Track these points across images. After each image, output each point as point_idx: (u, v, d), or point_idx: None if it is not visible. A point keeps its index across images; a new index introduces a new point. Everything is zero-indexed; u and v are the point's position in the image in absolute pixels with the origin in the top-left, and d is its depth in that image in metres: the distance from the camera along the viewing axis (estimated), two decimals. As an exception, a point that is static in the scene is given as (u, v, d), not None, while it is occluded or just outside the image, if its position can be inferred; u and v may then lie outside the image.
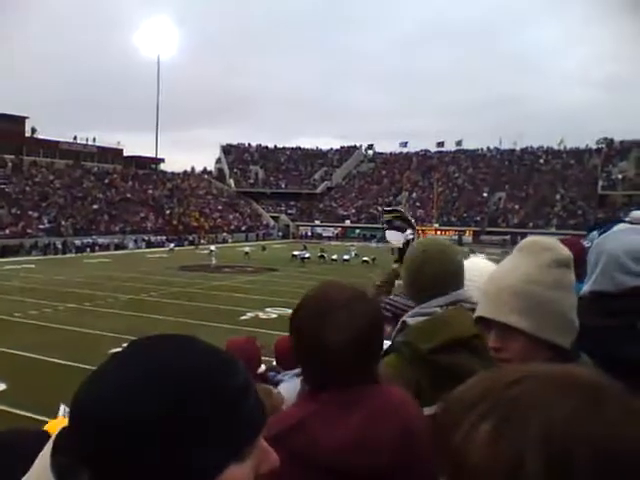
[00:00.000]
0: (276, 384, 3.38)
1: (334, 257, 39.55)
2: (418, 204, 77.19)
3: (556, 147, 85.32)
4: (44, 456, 0.71)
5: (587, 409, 0.50)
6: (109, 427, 0.64)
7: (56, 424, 2.90)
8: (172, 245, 51.20)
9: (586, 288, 1.83)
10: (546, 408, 0.51)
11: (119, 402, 0.65)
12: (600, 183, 69.38)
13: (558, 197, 72.34)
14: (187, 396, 0.66)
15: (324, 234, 72.82)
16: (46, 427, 1.30)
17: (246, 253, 42.10)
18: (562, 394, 0.52)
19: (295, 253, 40.83)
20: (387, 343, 1.80)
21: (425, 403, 1.60)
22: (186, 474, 0.66)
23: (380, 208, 76.99)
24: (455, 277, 1.96)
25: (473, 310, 1.82)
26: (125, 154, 75.42)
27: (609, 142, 79.29)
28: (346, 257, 39.47)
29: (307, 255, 39.78)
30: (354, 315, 1.33)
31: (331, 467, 1.25)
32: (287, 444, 1.18)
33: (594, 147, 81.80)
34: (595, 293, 1.80)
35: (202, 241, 57.12)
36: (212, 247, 41.24)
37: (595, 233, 1.98)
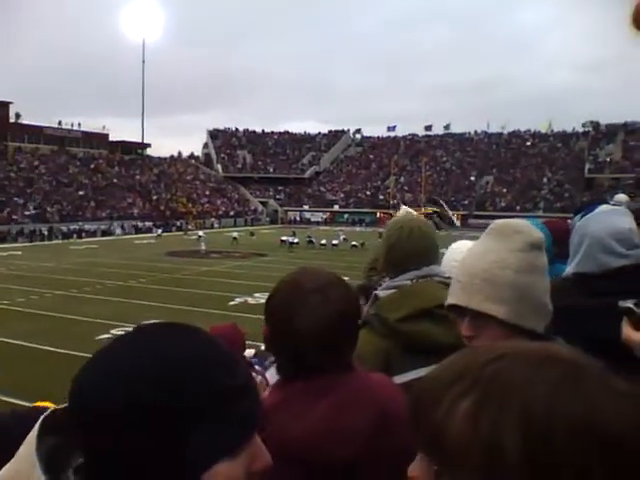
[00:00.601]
0: (265, 369, 3.38)
1: (323, 242, 39.58)
2: (406, 188, 77.26)
3: (543, 131, 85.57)
4: (30, 440, 0.70)
5: (565, 386, 0.50)
6: (104, 413, 0.65)
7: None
8: (160, 231, 50.97)
9: (569, 269, 1.84)
10: (525, 385, 0.51)
11: (115, 388, 0.65)
12: (587, 166, 69.77)
13: (545, 180, 72.70)
14: (183, 387, 0.66)
15: (313, 219, 72.77)
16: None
17: (234, 238, 42.00)
18: (541, 371, 0.52)
19: (283, 238, 40.82)
20: None
21: (395, 372, 1.64)
22: (176, 464, 0.66)
23: (368, 192, 77.09)
24: (429, 253, 1.98)
25: (443, 283, 1.85)
26: (111, 139, 74.72)
27: (595, 125, 79.63)
28: (335, 242, 39.49)
29: (296, 240, 39.79)
30: (327, 301, 1.31)
31: (299, 457, 1.22)
32: None
33: (581, 130, 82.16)
34: (579, 274, 1.81)
35: (190, 227, 56.88)
36: (200, 233, 41.12)
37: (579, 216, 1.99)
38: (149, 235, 50.95)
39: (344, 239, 41.19)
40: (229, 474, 0.69)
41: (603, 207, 1.89)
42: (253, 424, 0.73)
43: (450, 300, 1.42)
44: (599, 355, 1.58)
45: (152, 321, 0.77)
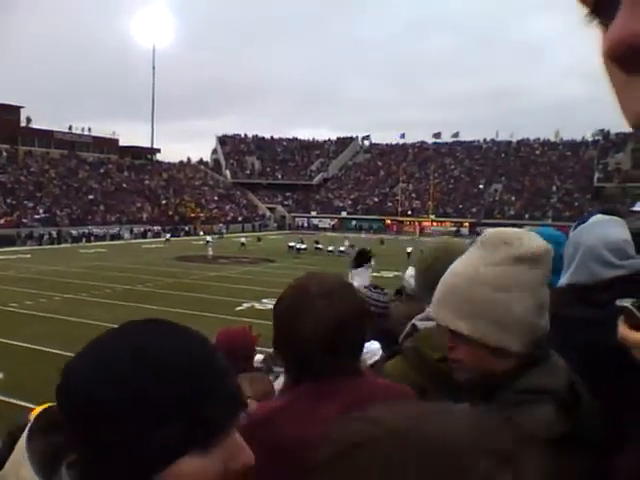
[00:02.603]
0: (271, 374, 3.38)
1: (330, 248, 39.58)
2: (414, 195, 77.18)
3: (552, 139, 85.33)
4: (20, 442, 0.72)
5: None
6: (77, 406, 0.68)
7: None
8: (168, 235, 51.15)
9: (563, 280, 1.82)
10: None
11: (87, 382, 0.68)
12: (596, 175, 69.47)
13: (554, 189, 72.43)
14: (152, 382, 0.67)
15: (320, 225, 72.80)
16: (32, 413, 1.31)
17: (242, 244, 42.09)
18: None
19: (291, 244, 40.86)
20: None
21: None
22: (137, 457, 0.67)
23: (376, 199, 77.05)
24: None
25: None
26: (120, 144, 75.11)
27: (605, 134, 79.32)
28: (342, 248, 39.53)
29: (303, 246, 39.82)
30: (333, 305, 1.31)
31: (302, 462, 1.22)
32: (255, 437, 1.17)
33: (590, 139, 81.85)
34: (572, 285, 1.81)
35: (200, 232, 57.00)
36: (209, 238, 41.21)
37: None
38: (158, 240, 51.11)
39: (351, 245, 41.23)
40: (197, 469, 0.69)
41: (597, 217, 1.87)
42: (226, 419, 0.72)
43: (431, 314, 1.41)
44: (593, 364, 1.59)
45: (139, 319, 0.79)
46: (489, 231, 1.35)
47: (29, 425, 0.74)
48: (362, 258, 7.05)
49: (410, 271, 3.72)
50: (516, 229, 1.35)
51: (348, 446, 0.50)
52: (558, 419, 1.15)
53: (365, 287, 3.54)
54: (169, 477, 0.68)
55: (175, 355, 0.71)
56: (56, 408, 0.74)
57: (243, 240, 43.35)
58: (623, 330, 1.08)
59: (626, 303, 1.02)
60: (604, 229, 1.81)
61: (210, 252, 36.26)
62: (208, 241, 39.06)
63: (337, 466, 0.50)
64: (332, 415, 1.24)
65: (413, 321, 1.90)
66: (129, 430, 0.66)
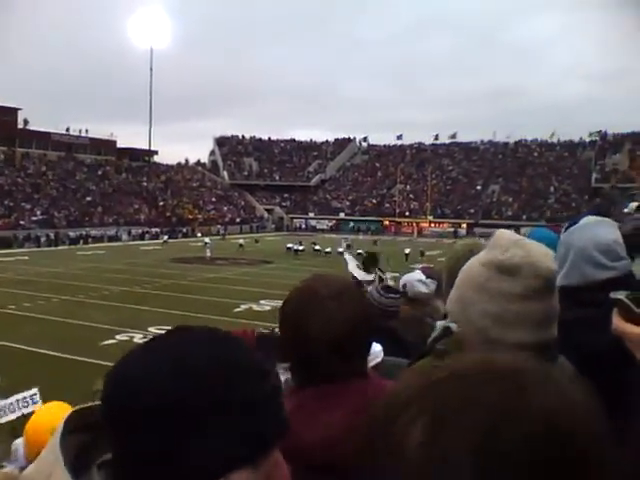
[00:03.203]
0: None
1: (328, 249, 39.66)
2: (412, 196, 77.26)
3: (549, 140, 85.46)
4: (53, 440, 0.72)
5: (510, 401, 0.50)
6: (121, 411, 0.67)
7: (43, 412, 2.89)
8: (166, 237, 51.13)
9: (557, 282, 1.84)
10: (471, 408, 0.50)
11: (141, 389, 0.67)
12: (593, 176, 69.62)
13: (552, 190, 72.57)
14: (206, 392, 0.67)
15: (318, 227, 72.84)
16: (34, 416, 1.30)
17: (240, 245, 42.09)
18: (485, 390, 0.51)
19: (289, 246, 40.90)
20: None
21: None
22: (188, 468, 0.66)
23: (374, 200, 77.11)
24: None
25: None
26: (118, 146, 75.08)
27: (602, 135, 79.50)
28: (340, 249, 39.60)
29: (301, 247, 39.86)
30: (343, 307, 1.31)
31: (316, 464, 1.21)
32: None
33: (587, 140, 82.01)
34: (564, 287, 1.81)
35: (198, 234, 56.98)
36: (207, 239, 41.24)
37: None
38: (155, 241, 51.08)
39: (348, 245, 41.31)
40: None
41: (588, 219, 1.88)
42: (275, 435, 0.72)
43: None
44: (589, 365, 1.59)
45: (187, 325, 0.78)
46: (500, 231, 1.34)
47: (61, 426, 0.73)
48: (371, 262, 6.99)
49: (417, 275, 3.70)
50: (519, 236, 1.32)
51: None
52: None
53: (377, 291, 3.51)
54: None
55: (228, 366, 0.70)
56: (85, 409, 0.75)
57: (242, 242, 43.36)
58: (617, 322, 1.08)
59: (620, 295, 1.03)
60: (595, 231, 1.81)
61: (208, 253, 36.27)
62: (207, 243, 39.05)
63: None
64: (343, 417, 1.24)
65: (446, 324, 1.89)
66: (171, 442, 0.65)
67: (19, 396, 6.34)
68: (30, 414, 6.28)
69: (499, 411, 0.50)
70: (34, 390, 6.54)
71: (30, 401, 6.36)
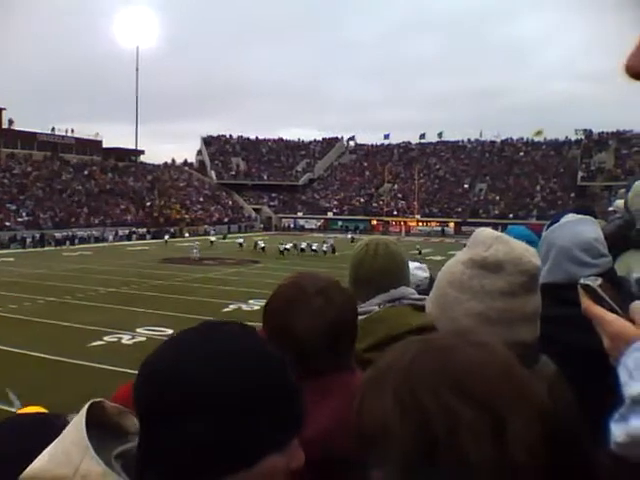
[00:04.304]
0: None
1: (314, 248, 39.87)
2: (400, 196, 77.42)
3: (535, 139, 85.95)
4: (78, 428, 0.74)
5: (436, 368, 0.61)
6: (171, 399, 0.70)
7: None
8: (167, 237, 51.71)
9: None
10: (406, 374, 0.62)
11: (183, 376, 0.71)
12: (579, 174, 70.14)
13: (538, 188, 73.00)
14: (251, 381, 0.72)
15: (307, 226, 72.80)
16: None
17: (240, 244, 43.06)
18: (421, 361, 0.63)
19: (287, 247, 40.82)
20: None
21: None
22: (232, 453, 0.70)
23: (362, 200, 77.21)
24: (397, 274, 1.93)
25: (413, 306, 1.83)
26: (104, 146, 74.59)
27: (588, 133, 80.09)
28: (324, 249, 40.06)
29: (287, 246, 39.92)
30: (330, 303, 1.32)
31: (312, 457, 1.22)
32: None
33: (573, 139, 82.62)
34: (547, 285, 1.83)
35: (186, 234, 56.82)
36: (197, 243, 41.13)
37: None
38: (142, 242, 50.85)
39: (331, 245, 41.65)
40: (275, 468, 0.73)
41: (568, 217, 1.89)
42: (301, 421, 0.78)
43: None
44: (572, 364, 1.59)
45: (211, 319, 0.82)
46: (479, 229, 1.34)
47: (84, 419, 0.75)
48: None
49: (412, 264, 3.77)
50: (500, 233, 1.31)
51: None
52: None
53: None
54: (251, 476, 0.72)
55: (265, 357, 0.75)
56: (101, 402, 0.79)
57: (241, 241, 44.28)
58: (586, 303, 1.09)
59: (589, 281, 1.05)
60: (576, 229, 1.83)
61: (195, 254, 35.96)
62: (196, 244, 39.05)
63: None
64: (336, 410, 1.24)
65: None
66: (219, 428, 0.69)
67: None
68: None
69: (422, 378, 0.60)
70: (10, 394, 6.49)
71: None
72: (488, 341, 0.68)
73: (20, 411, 1.35)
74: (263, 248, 40.72)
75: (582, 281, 1.05)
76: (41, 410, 1.01)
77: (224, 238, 53.95)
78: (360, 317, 1.80)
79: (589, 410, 1.28)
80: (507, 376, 0.62)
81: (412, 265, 3.81)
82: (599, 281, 1.02)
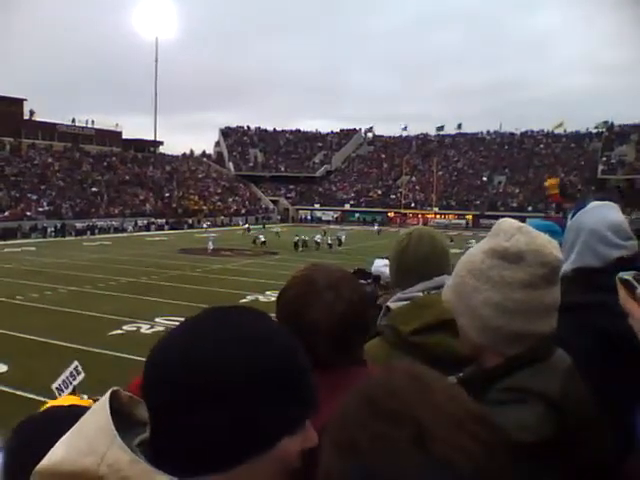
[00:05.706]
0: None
1: (329, 241, 39.87)
2: (417, 188, 77.05)
3: (555, 131, 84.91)
4: (103, 416, 0.73)
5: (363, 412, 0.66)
6: (184, 384, 0.70)
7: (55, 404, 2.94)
8: (207, 224, 52.40)
9: (568, 266, 1.83)
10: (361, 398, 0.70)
11: (197, 361, 0.70)
12: (600, 167, 69.22)
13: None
14: (264, 364, 0.72)
15: (324, 218, 72.75)
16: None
17: (277, 233, 43.98)
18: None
19: (304, 239, 40.72)
20: None
21: None
22: (249, 436, 0.70)
23: (380, 192, 76.94)
24: (439, 262, 1.95)
25: None
26: (123, 137, 75.12)
27: (609, 126, 78.95)
28: (329, 241, 40.13)
29: (305, 238, 39.97)
30: (341, 297, 1.32)
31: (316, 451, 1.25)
32: None
33: (594, 131, 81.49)
34: (579, 270, 1.83)
35: (204, 225, 57.00)
36: (213, 234, 41.15)
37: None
38: (161, 232, 51.22)
39: (337, 238, 41.58)
40: (290, 449, 0.73)
41: (595, 202, 1.93)
42: (313, 404, 0.78)
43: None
44: (605, 350, 1.61)
45: (221, 305, 0.81)
46: (502, 219, 1.32)
47: (108, 406, 0.74)
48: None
49: (383, 261, 3.76)
50: (523, 224, 1.29)
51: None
52: (544, 421, 1.11)
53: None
54: (268, 459, 0.72)
55: (278, 339, 0.76)
56: (117, 391, 0.78)
57: (277, 229, 45.19)
58: (624, 299, 1.08)
59: (627, 276, 1.05)
60: (604, 212, 1.87)
61: (210, 246, 35.73)
62: (212, 235, 39.06)
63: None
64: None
65: (387, 304, 1.96)
66: (238, 412, 0.69)
67: (66, 372, 6.67)
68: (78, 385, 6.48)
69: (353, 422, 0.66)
70: (75, 363, 6.84)
71: (75, 373, 6.70)
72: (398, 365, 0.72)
73: (52, 403, 1.41)
74: (264, 242, 40.04)
75: (620, 276, 1.06)
76: (75, 401, 0.99)
77: (263, 227, 54.22)
78: (404, 302, 1.86)
79: (621, 398, 1.30)
80: (422, 390, 0.64)
81: (380, 262, 3.84)
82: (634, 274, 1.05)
